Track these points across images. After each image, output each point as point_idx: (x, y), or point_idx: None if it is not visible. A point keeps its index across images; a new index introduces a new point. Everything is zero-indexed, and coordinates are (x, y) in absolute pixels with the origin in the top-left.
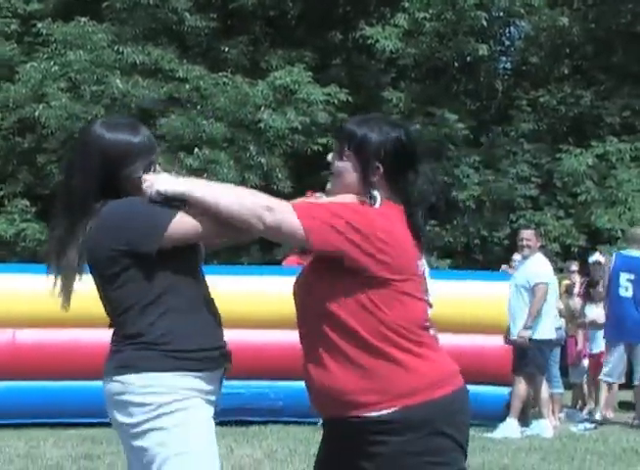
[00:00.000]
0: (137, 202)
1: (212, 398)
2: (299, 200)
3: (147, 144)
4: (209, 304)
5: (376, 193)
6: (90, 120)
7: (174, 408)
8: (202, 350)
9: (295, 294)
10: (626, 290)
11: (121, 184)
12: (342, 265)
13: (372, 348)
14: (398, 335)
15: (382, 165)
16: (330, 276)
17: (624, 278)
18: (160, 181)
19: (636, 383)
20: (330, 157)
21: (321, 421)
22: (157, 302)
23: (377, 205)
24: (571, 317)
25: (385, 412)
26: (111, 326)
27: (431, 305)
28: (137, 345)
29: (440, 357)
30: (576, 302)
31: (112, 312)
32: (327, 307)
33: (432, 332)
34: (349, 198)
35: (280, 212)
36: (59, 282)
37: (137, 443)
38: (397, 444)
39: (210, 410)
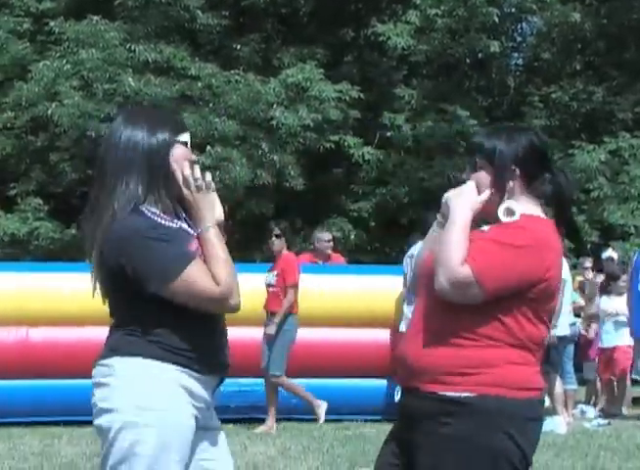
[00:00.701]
0: (155, 232)
1: (200, 404)
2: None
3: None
4: (215, 319)
5: (514, 205)
6: (106, 118)
7: (152, 405)
8: (195, 350)
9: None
10: None
11: (167, 181)
12: None
13: (489, 343)
14: (524, 347)
15: (518, 169)
16: None
17: None
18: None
19: None
20: (464, 175)
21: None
22: (158, 307)
23: (515, 217)
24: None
25: (461, 395)
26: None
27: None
28: (125, 330)
29: (537, 370)
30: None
31: (111, 306)
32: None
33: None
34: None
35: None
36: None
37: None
38: (461, 428)
39: (192, 417)
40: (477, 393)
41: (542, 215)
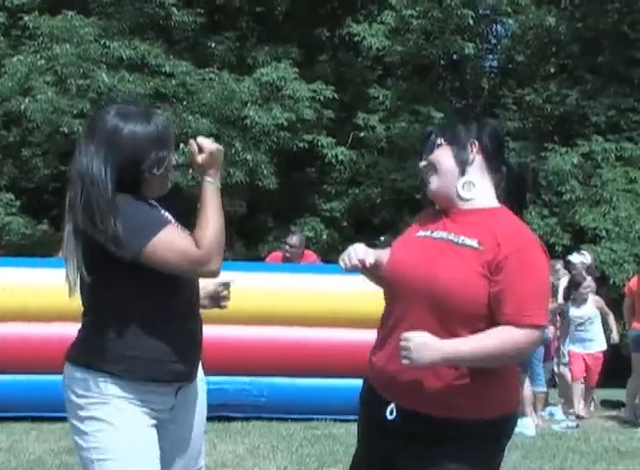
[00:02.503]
0: (133, 203)
1: (152, 406)
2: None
3: (164, 133)
4: (188, 319)
5: (472, 178)
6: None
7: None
8: (144, 359)
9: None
10: None
11: (144, 177)
12: None
13: None
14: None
15: (478, 142)
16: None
17: None
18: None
19: None
20: (421, 163)
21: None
22: (123, 308)
23: (474, 192)
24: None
25: (472, 417)
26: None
27: None
28: (86, 330)
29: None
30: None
31: (83, 299)
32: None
33: None
34: None
35: None
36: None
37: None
38: (474, 448)
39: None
40: (486, 415)
41: (495, 202)
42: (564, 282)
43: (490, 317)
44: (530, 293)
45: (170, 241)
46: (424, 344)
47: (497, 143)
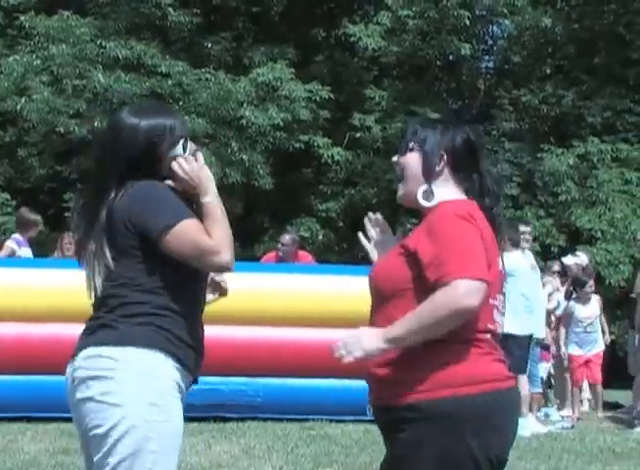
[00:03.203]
0: (157, 186)
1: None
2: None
3: (178, 123)
4: (199, 317)
5: (434, 188)
6: (75, 114)
7: (160, 402)
8: (191, 344)
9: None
10: None
11: (158, 165)
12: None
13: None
14: (470, 339)
15: (446, 154)
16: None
17: None
18: (356, 346)
19: None
20: (394, 157)
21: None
22: (154, 291)
23: (434, 201)
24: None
25: (410, 402)
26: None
27: (502, 312)
28: (124, 317)
29: (484, 359)
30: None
31: (107, 283)
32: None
33: (488, 336)
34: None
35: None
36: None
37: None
38: (415, 433)
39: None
40: (425, 398)
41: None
42: (549, 288)
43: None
44: (443, 253)
45: (189, 231)
46: (355, 336)
47: (469, 152)
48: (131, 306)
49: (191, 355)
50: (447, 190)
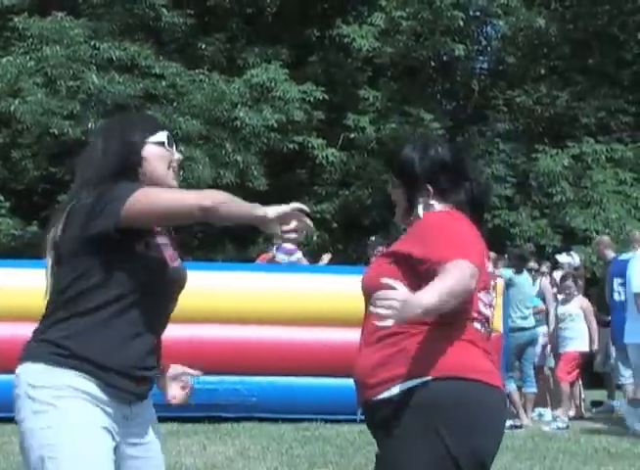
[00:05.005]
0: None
1: (109, 409)
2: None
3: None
4: (152, 327)
5: (420, 208)
6: (69, 115)
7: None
8: (105, 367)
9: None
10: (619, 294)
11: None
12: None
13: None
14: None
15: (431, 186)
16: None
17: (617, 283)
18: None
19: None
20: (390, 187)
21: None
22: (84, 299)
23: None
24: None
25: (386, 394)
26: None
27: (492, 306)
28: (43, 327)
29: (460, 350)
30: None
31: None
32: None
33: (477, 326)
34: None
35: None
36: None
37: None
38: (393, 427)
39: (101, 417)
40: (396, 389)
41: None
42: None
43: None
44: (440, 244)
45: (149, 192)
46: (406, 301)
47: (451, 173)
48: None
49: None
50: (439, 207)
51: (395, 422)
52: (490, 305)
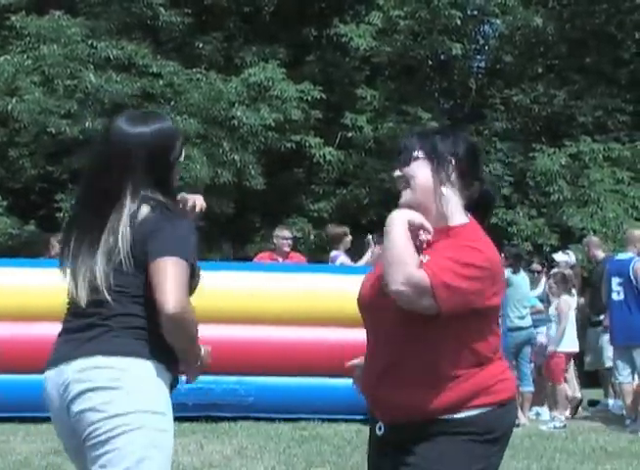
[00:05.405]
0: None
1: None
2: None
3: (175, 128)
4: None
5: (450, 207)
6: (66, 114)
7: (162, 410)
8: (172, 350)
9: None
10: (618, 294)
11: (169, 173)
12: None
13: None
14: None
15: (454, 160)
16: None
17: (615, 282)
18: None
19: (637, 382)
20: (396, 172)
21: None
22: (144, 303)
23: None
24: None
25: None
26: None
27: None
28: (120, 329)
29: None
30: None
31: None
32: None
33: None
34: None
35: None
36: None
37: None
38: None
39: None
40: (448, 413)
41: (464, 218)
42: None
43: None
44: (447, 268)
45: (172, 271)
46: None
47: (473, 160)
48: (126, 317)
49: (173, 359)
50: (454, 198)
51: (441, 443)
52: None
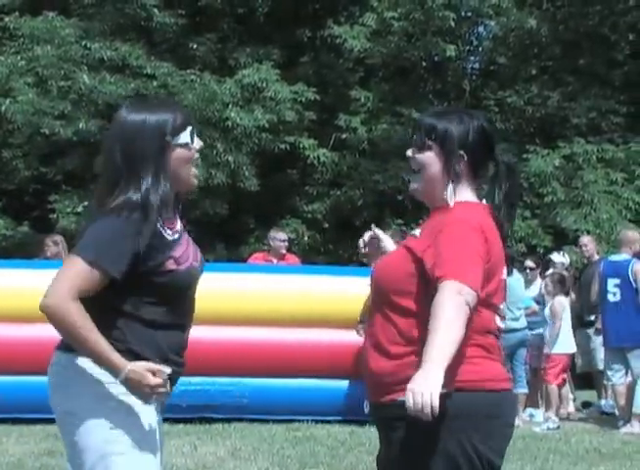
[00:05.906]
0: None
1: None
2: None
3: (184, 114)
4: (184, 327)
5: (450, 190)
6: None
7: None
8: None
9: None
10: (614, 295)
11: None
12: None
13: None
14: (473, 339)
15: (466, 154)
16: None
17: (612, 284)
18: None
19: (629, 379)
20: (409, 152)
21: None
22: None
23: (451, 203)
24: None
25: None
26: None
27: (503, 317)
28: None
29: (484, 360)
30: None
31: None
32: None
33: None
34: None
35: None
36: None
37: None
38: (412, 431)
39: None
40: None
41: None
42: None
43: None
44: (445, 257)
45: (69, 270)
46: (417, 385)
47: (487, 148)
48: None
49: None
50: (464, 188)
51: (415, 426)
52: (503, 315)
